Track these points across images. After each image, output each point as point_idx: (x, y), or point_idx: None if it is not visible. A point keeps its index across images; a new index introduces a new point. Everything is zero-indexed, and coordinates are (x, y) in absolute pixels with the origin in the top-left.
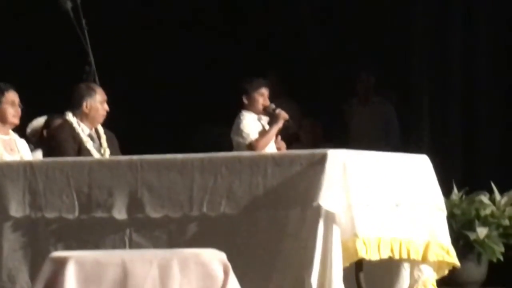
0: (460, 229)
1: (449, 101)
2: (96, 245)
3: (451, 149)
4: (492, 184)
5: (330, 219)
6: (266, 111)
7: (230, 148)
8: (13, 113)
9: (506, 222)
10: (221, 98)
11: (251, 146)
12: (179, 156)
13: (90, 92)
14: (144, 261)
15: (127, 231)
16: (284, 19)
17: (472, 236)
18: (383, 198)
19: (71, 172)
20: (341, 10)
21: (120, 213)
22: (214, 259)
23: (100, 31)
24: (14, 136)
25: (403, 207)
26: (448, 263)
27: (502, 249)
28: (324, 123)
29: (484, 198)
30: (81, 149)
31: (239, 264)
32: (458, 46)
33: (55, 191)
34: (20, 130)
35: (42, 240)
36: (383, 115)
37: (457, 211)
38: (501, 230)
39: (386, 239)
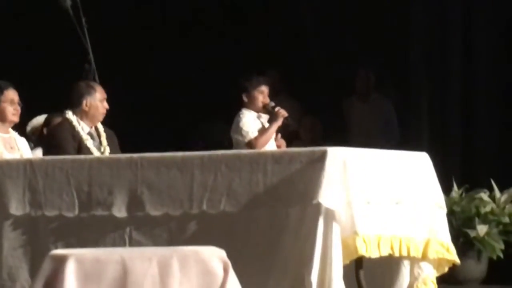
0: (460, 227)
1: (449, 98)
2: (96, 243)
3: (451, 147)
4: (492, 182)
5: (330, 216)
6: (265, 109)
7: (230, 146)
8: (13, 111)
9: (506, 219)
10: (221, 97)
11: (250, 144)
12: (179, 154)
13: (90, 90)
14: (143, 259)
15: (127, 229)
16: (284, 19)
17: (472, 233)
18: (383, 195)
19: (71, 170)
20: (341, 9)
21: (120, 211)
22: (214, 256)
23: (100, 29)
24: (14, 134)
25: (403, 204)
26: (448, 261)
27: (502, 247)
28: (323, 121)
29: (484, 195)
30: (81, 147)
31: (239, 261)
32: (457, 45)
33: (55, 189)
34: (20, 128)
35: (42, 238)
36: (383, 112)
37: (457, 209)
38: (501, 227)
39: (386, 236)
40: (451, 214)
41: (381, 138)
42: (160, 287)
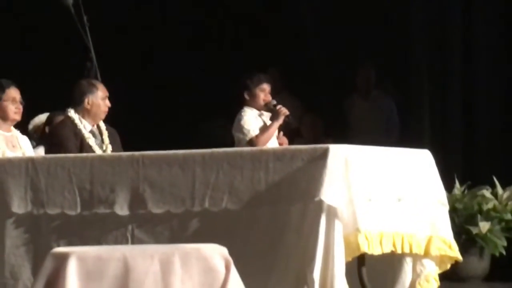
0: (462, 224)
1: (450, 95)
2: (98, 241)
3: (453, 144)
4: (494, 179)
5: (332, 214)
6: (267, 107)
7: (232, 144)
8: (15, 110)
9: (509, 216)
10: (222, 96)
11: (251, 142)
12: (181, 151)
13: (92, 88)
14: (145, 256)
15: (129, 227)
16: (284, 19)
17: (474, 230)
18: (385, 192)
19: (73, 169)
20: (341, 9)
21: (122, 209)
22: (216, 253)
23: (102, 27)
24: (16, 133)
25: (405, 201)
26: (450, 257)
27: (505, 243)
28: (325, 119)
29: (486, 192)
30: (83, 146)
31: (241, 259)
32: (458, 40)
33: (57, 187)
34: (22, 126)
35: (44, 236)
36: (384, 109)
37: (459, 206)
38: (503, 224)
39: (388, 233)
40: (453, 211)
41: (382, 135)
42: (161, 284)
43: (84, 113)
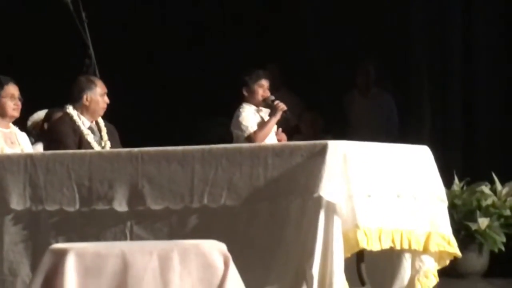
0: (461, 220)
1: (450, 91)
2: (97, 238)
3: (452, 140)
4: (493, 175)
5: (331, 210)
6: (265, 103)
7: (231, 141)
8: (13, 106)
9: (508, 212)
10: (222, 94)
11: (250, 138)
12: (180, 148)
13: (90, 85)
14: (144, 253)
15: (128, 223)
16: (284, 15)
17: (473, 226)
18: (384, 188)
19: (71, 165)
20: (341, 9)
21: (121, 206)
22: (214, 250)
23: (100, 24)
24: (15, 129)
25: (404, 197)
26: (449, 254)
27: (504, 239)
28: (324, 115)
29: (485, 188)
30: (81, 142)
31: (240, 255)
32: (458, 34)
33: (56, 184)
34: (20, 123)
35: (43, 233)
36: (383, 106)
37: (458, 202)
38: (502, 220)
39: (387, 229)
40: (452, 207)
41: (382, 132)
42: (160, 280)
43: (83, 109)
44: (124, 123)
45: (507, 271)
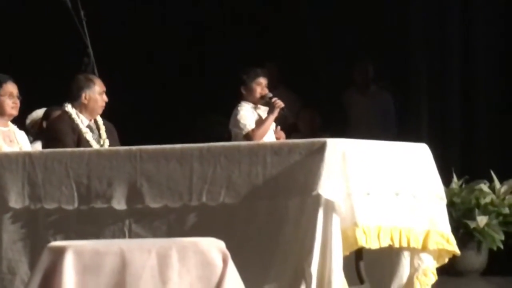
0: (460, 218)
1: (448, 89)
2: (95, 236)
3: (451, 138)
4: (492, 173)
5: (330, 208)
6: (263, 100)
7: (229, 140)
8: (12, 105)
9: (506, 210)
10: (221, 92)
11: (248, 137)
12: (178, 146)
13: (89, 83)
14: (142, 250)
15: (127, 221)
16: (284, 15)
17: (472, 224)
18: (383, 186)
19: (70, 163)
20: (341, 9)
21: (119, 204)
22: (213, 247)
23: (99, 22)
24: (13, 128)
25: (403, 195)
26: (448, 252)
27: (502, 237)
28: (322, 113)
29: (484, 186)
30: (80, 140)
31: (239, 253)
32: (456, 32)
33: (54, 182)
34: (19, 121)
35: (42, 231)
36: (382, 104)
37: (457, 200)
38: (501, 218)
39: (386, 227)
40: (451, 206)
41: (380, 130)
42: (159, 278)
43: (82, 107)
44: (124, 123)
45: (505, 269)
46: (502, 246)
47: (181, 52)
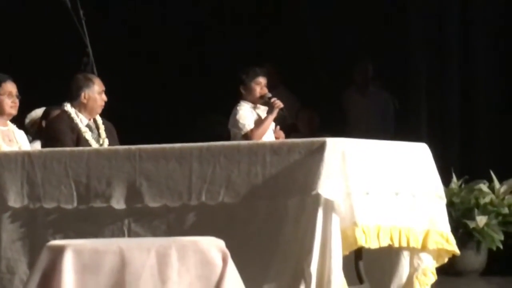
0: (459, 218)
1: (448, 89)
2: (94, 235)
3: (450, 138)
4: (491, 173)
5: (329, 207)
6: (262, 100)
7: (228, 139)
8: (11, 104)
9: (506, 210)
10: (221, 92)
11: (247, 137)
12: (177, 145)
13: (88, 83)
14: (142, 249)
15: (126, 221)
16: (283, 12)
17: (471, 224)
18: (383, 186)
19: (69, 162)
20: (341, 9)
21: (118, 203)
22: (213, 246)
23: (99, 22)
24: (13, 127)
25: (402, 195)
26: (447, 251)
27: (502, 237)
28: (322, 113)
29: (484, 186)
30: (79, 140)
31: (238, 253)
32: (456, 33)
33: (54, 181)
34: (18, 121)
35: (41, 230)
36: (381, 104)
37: (456, 200)
38: (500, 218)
39: (386, 227)
40: (450, 205)
41: (380, 130)
42: (158, 277)
43: (81, 107)
44: (124, 123)
45: (505, 269)
46: (501, 246)
47: (181, 52)
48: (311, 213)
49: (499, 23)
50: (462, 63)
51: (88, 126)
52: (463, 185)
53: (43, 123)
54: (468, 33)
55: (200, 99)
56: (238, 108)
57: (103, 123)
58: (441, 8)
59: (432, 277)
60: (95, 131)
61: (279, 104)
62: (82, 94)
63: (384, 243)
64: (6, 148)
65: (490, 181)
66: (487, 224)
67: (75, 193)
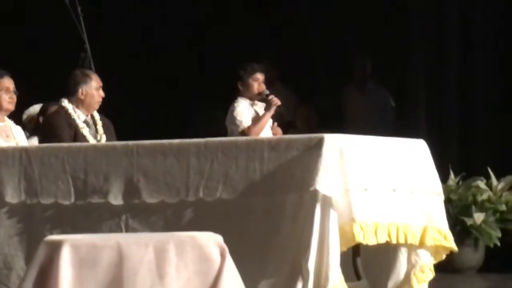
0: (457, 215)
1: (446, 86)
2: (92, 231)
3: (448, 135)
4: (489, 170)
5: (327, 203)
6: (260, 96)
7: (226, 135)
8: (8, 100)
9: (503, 207)
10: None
11: (244, 134)
12: (175, 141)
13: (86, 78)
14: (140, 244)
15: (123, 217)
16: (282, 7)
17: (469, 221)
18: (381, 182)
19: (66, 158)
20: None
21: (116, 199)
22: (211, 241)
23: (99, 22)
24: (10, 123)
25: (400, 191)
26: (445, 248)
27: (499, 234)
28: (319, 110)
29: (481, 183)
30: (77, 136)
31: (236, 249)
32: (455, 30)
33: (51, 177)
34: (16, 117)
35: (38, 226)
36: (380, 101)
37: (454, 197)
38: (498, 215)
39: (384, 223)
40: (448, 202)
41: (378, 127)
42: (156, 272)
43: (78, 103)
44: (123, 122)
45: (502, 266)
46: (498, 243)
47: (181, 52)
48: (309, 209)
49: (499, 23)
50: (462, 63)
51: (85, 122)
52: (460, 182)
53: (41, 119)
54: (468, 33)
55: (200, 99)
56: (235, 104)
57: (101, 119)
58: (441, 8)
59: (430, 274)
60: (93, 127)
61: (276, 101)
62: (80, 90)
63: (382, 239)
64: (3, 144)
65: (488, 178)
66: (484, 221)
67: (72, 189)
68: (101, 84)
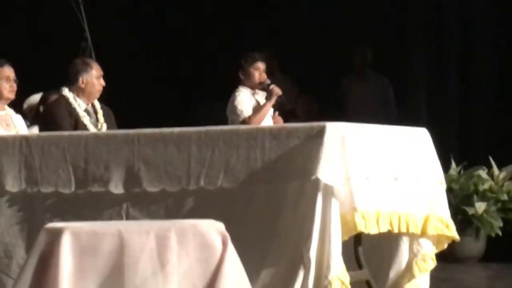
0: (458, 204)
1: (447, 75)
2: (92, 220)
3: (449, 124)
4: (491, 159)
5: (329, 192)
6: (261, 86)
7: (227, 125)
8: (9, 89)
9: (505, 196)
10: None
11: (244, 123)
12: (176, 129)
13: (86, 67)
14: (141, 232)
15: (124, 205)
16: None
17: (470, 211)
18: (382, 171)
19: (67, 147)
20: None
21: (117, 188)
22: (212, 229)
23: (96, 6)
24: (10, 112)
25: (402, 180)
26: (447, 237)
27: (501, 224)
28: (320, 100)
29: (483, 173)
30: (77, 124)
31: (237, 238)
32: (455, 19)
33: (51, 165)
34: (16, 106)
35: (39, 215)
36: (381, 90)
37: (455, 186)
38: (499, 205)
39: (385, 212)
40: (449, 192)
41: (379, 116)
42: (157, 260)
43: (79, 92)
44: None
45: (503, 256)
46: (500, 233)
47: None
48: (311, 198)
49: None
50: (461, 51)
51: (86, 110)
52: (462, 172)
53: (41, 108)
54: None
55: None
56: (236, 94)
57: (101, 108)
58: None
59: (432, 263)
60: (93, 115)
61: (277, 91)
62: (80, 79)
63: (384, 228)
64: (3, 132)
65: (489, 167)
66: (486, 211)
67: (73, 178)
68: (101, 73)
